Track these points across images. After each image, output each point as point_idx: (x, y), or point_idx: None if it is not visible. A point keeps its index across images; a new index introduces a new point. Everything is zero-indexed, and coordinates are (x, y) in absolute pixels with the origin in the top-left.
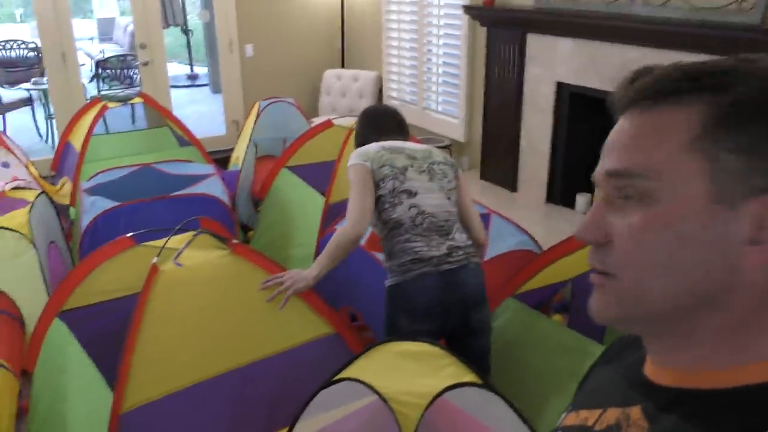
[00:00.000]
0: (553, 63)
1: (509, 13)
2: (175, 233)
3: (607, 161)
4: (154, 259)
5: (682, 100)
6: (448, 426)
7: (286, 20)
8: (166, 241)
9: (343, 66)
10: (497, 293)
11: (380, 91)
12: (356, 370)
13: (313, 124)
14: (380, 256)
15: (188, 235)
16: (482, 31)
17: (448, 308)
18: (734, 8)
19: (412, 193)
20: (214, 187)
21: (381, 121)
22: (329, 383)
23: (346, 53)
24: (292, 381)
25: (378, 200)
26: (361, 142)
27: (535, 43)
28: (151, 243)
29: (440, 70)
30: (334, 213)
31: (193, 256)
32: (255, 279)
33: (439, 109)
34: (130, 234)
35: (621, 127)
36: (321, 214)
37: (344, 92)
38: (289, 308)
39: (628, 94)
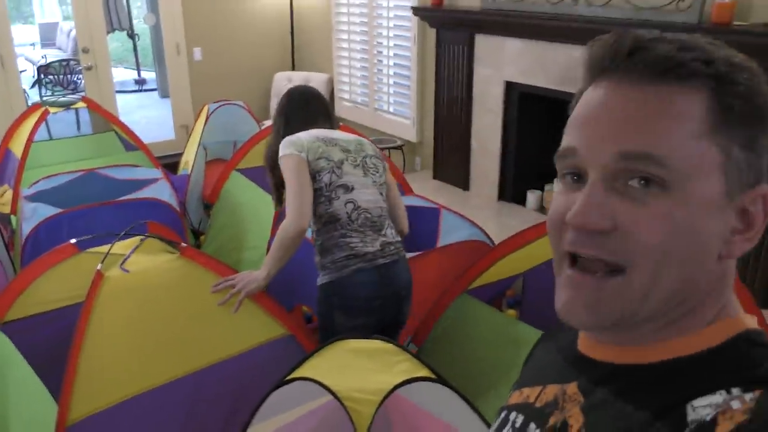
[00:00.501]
0: (502, 63)
1: (457, 14)
2: (121, 238)
3: (616, 140)
4: (99, 266)
5: (693, 81)
6: (401, 421)
7: (235, 23)
8: (111, 247)
9: (293, 68)
10: (450, 284)
11: (332, 92)
12: (308, 369)
13: (263, 127)
14: None
15: (135, 240)
16: (432, 32)
17: (384, 302)
18: (672, 8)
19: (348, 188)
20: (161, 191)
21: (310, 107)
22: (281, 384)
23: (297, 55)
24: (247, 385)
25: (314, 193)
26: (285, 129)
27: (484, 43)
28: (96, 249)
29: (391, 71)
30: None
31: (140, 261)
32: (205, 283)
33: (391, 110)
34: (74, 240)
35: (621, 101)
36: (273, 215)
37: None
38: (241, 311)
39: (629, 64)
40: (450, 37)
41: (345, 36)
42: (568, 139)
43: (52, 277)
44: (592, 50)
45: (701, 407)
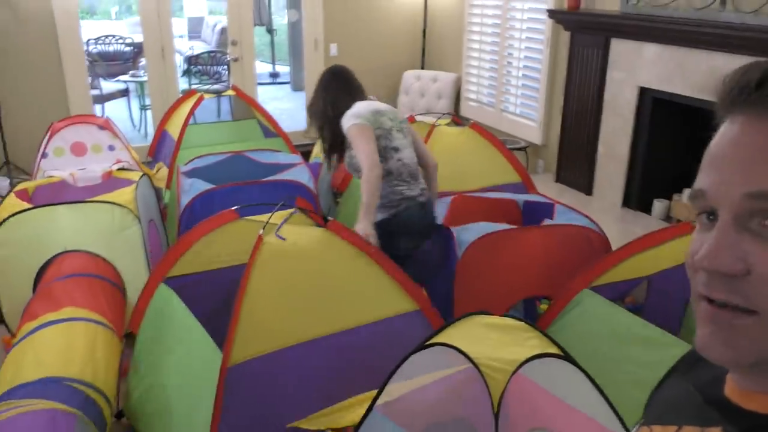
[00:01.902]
0: (637, 68)
1: (594, 17)
2: (277, 210)
3: (746, 179)
4: (260, 231)
5: None
6: (531, 395)
7: (370, 21)
8: (271, 216)
9: (422, 67)
10: (555, 261)
11: (458, 92)
12: (446, 337)
13: None
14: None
15: (286, 212)
16: (565, 35)
17: (425, 227)
18: None
19: (397, 149)
20: (301, 174)
21: (354, 84)
22: (420, 348)
23: (426, 55)
24: (380, 349)
25: None
26: (333, 103)
27: (619, 47)
28: (253, 218)
29: (520, 73)
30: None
31: (292, 231)
32: (348, 254)
33: (518, 111)
34: (235, 207)
35: (754, 137)
36: None
37: (423, 92)
38: (379, 283)
39: (759, 96)
40: (584, 41)
41: (477, 37)
42: (699, 179)
43: (213, 239)
44: (723, 83)
45: None
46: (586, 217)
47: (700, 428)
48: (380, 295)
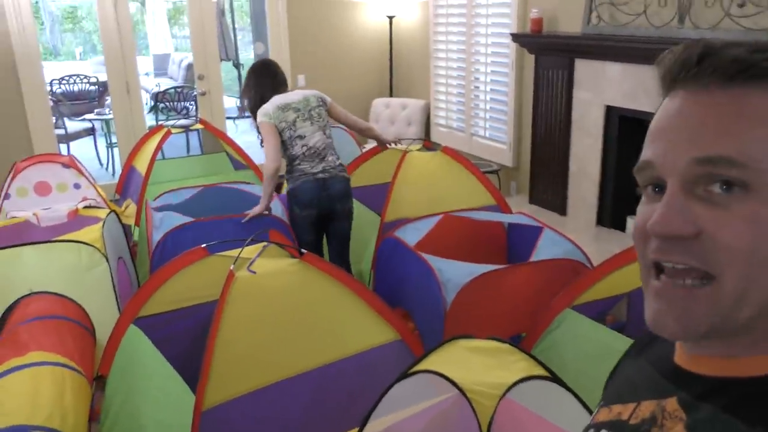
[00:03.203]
0: (602, 87)
1: (557, 39)
2: (248, 244)
3: (692, 146)
4: (231, 266)
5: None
6: (515, 425)
7: (336, 51)
8: (241, 250)
9: (391, 95)
10: (542, 298)
11: (428, 118)
12: (429, 364)
13: (365, 150)
14: (429, 257)
15: (259, 246)
16: (530, 58)
17: (321, 201)
18: None
19: (302, 137)
20: (274, 207)
21: (275, 79)
22: (403, 376)
23: (395, 82)
24: (362, 383)
25: (282, 143)
26: (258, 99)
27: (584, 67)
28: (224, 253)
29: (488, 97)
30: (388, 230)
31: (264, 265)
32: (323, 285)
33: (487, 134)
34: (204, 245)
35: (695, 108)
36: (377, 232)
37: (393, 120)
38: (357, 313)
39: (698, 71)
40: (549, 62)
41: (443, 63)
42: (644, 153)
43: (183, 277)
44: (663, 63)
45: None
46: (571, 242)
47: (657, 401)
48: (359, 326)
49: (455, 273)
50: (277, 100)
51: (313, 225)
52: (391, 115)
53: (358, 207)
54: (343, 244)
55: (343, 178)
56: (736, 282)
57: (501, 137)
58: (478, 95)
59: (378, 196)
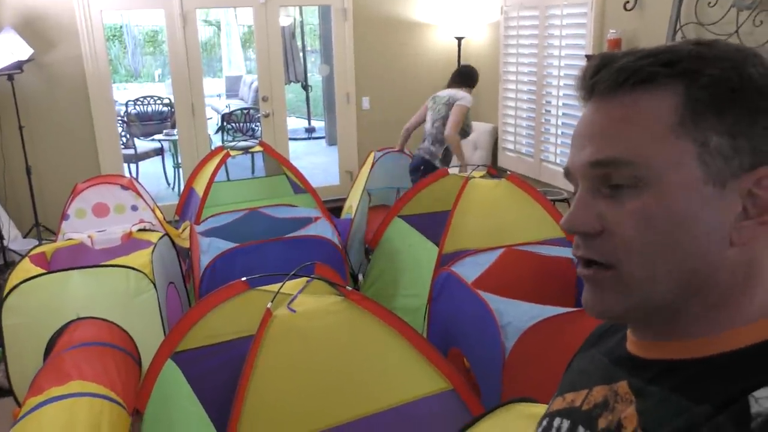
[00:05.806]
0: None
1: None
2: (290, 278)
3: (587, 152)
4: (269, 304)
5: (658, 85)
6: None
7: (402, 73)
8: (281, 287)
9: None
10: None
11: (495, 142)
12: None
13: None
14: (487, 296)
15: (302, 280)
16: None
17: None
18: None
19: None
20: (324, 229)
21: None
22: None
23: None
24: None
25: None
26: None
27: None
28: (265, 287)
29: (560, 122)
30: (446, 262)
31: (306, 302)
32: (369, 326)
33: (558, 161)
34: (245, 278)
35: (593, 116)
36: (434, 264)
37: None
38: (405, 359)
39: (594, 82)
40: None
41: (512, 86)
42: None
43: (222, 311)
44: (577, 80)
45: (764, 398)
46: None
47: (608, 386)
48: (407, 373)
49: (516, 315)
50: (439, 92)
51: None
52: None
53: (415, 236)
54: None
55: (422, 154)
56: (632, 268)
57: None
58: (549, 119)
59: (435, 224)
